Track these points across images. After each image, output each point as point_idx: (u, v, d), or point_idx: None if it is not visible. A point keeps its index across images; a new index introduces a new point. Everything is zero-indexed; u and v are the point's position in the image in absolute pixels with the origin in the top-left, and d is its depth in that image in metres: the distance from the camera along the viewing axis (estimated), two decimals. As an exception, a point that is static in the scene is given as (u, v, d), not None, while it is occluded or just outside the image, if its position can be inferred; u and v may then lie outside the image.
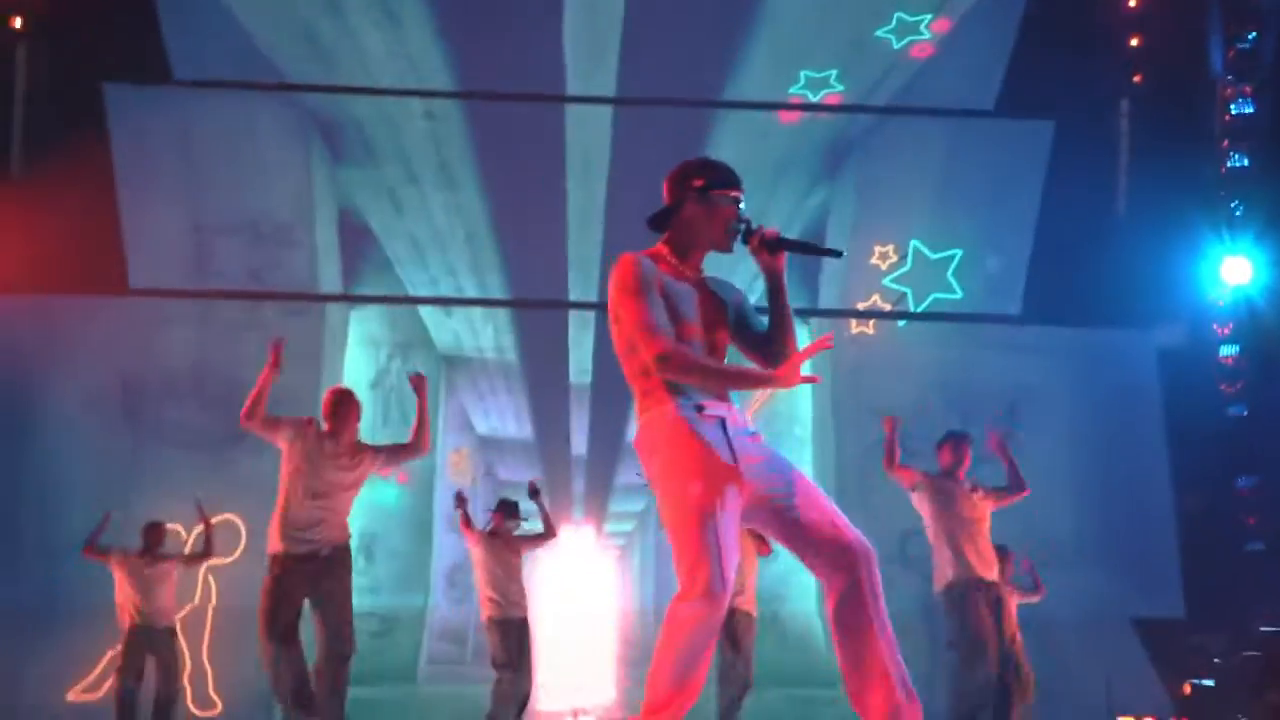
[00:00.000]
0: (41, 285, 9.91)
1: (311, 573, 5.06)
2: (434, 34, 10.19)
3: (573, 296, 11.96)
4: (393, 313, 12.59)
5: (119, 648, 7.65)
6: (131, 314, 10.23)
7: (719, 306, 3.00)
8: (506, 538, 7.18)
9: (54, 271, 9.79)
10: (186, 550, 8.38)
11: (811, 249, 3.18)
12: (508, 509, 7.36)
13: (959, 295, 10.59)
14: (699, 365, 2.82)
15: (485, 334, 13.15)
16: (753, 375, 3.04)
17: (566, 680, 7.31)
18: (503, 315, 12.74)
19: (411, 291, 12.44)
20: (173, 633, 7.81)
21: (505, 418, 15.32)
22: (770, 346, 3.04)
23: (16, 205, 9.64)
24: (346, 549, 5.21)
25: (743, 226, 2.95)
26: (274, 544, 5.12)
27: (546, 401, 14.17)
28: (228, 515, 9.70)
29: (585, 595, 8.79)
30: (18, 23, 10.25)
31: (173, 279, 10.28)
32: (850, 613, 2.83)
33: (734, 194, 2.97)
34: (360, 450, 5.31)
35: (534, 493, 7.44)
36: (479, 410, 15.23)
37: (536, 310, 12.36)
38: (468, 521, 7.14)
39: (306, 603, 5.13)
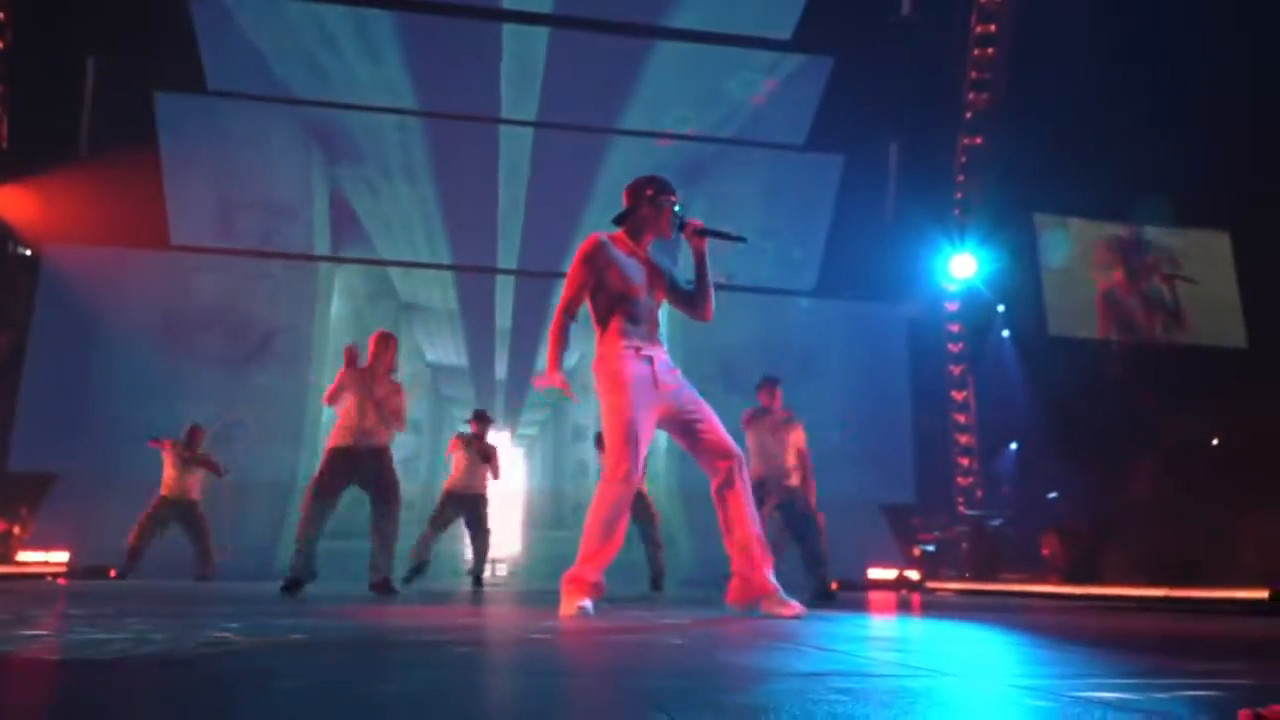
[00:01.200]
0: (106, 239, 11.05)
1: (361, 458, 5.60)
2: (404, 67, 11.68)
3: (500, 265, 13.00)
4: (366, 270, 13.38)
5: (147, 510, 8.35)
6: (171, 264, 11.44)
7: (658, 275, 3.46)
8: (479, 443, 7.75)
9: (115, 229, 10.90)
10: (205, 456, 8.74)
11: (724, 235, 3.50)
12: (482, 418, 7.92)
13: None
14: (554, 332, 3.40)
15: (435, 289, 13.92)
16: (552, 362, 3.37)
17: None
18: (447, 276, 13.61)
19: (382, 255, 13.26)
20: (196, 504, 8.56)
21: (448, 350, 15.83)
22: (694, 300, 3.49)
23: (86, 180, 10.69)
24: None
25: (678, 220, 3.45)
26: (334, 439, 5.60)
27: (478, 339, 14.81)
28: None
29: (501, 481, 9.65)
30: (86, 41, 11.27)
31: (203, 239, 11.52)
32: (727, 493, 3.34)
33: (673, 199, 3.49)
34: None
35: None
36: (428, 344, 15.81)
37: (472, 273, 13.21)
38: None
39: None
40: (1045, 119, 11.66)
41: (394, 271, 13.66)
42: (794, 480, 6.24)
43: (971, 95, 12.46)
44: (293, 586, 5.37)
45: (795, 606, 3.34)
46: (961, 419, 12.76)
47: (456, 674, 1.78)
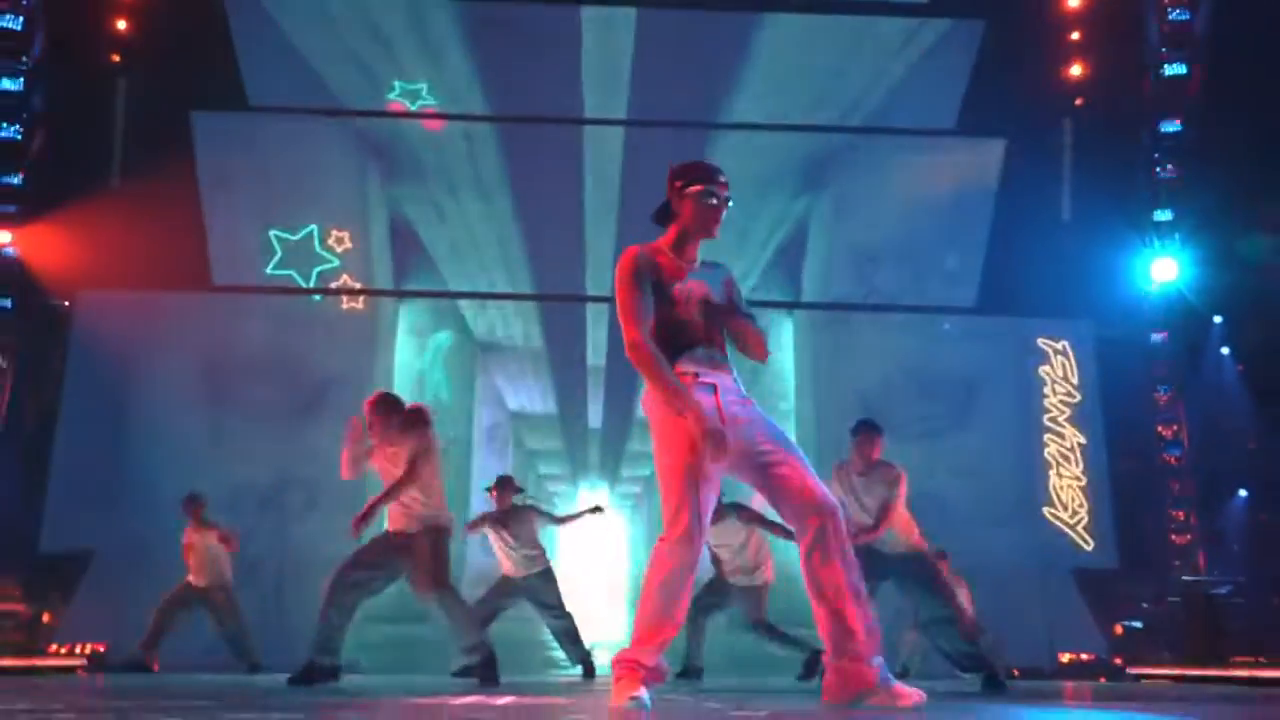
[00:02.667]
0: (142, 283, 10.64)
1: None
2: (471, 68, 11.01)
3: (589, 292, 12.35)
4: (436, 306, 12.74)
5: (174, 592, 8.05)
6: (213, 307, 10.90)
7: (707, 290, 3.16)
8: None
9: (152, 271, 10.47)
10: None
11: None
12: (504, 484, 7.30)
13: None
14: (651, 365, 3.01)
15: (515, 324, 13.37)
16: (680, 400, 2.98)
17: (586, 617, 7.73)
18: (529, 308, 13.03)
19: (452, 287, 12.65)
20: (219, 589, 8.03)
21: (533, 396, 15.33)
22: (737, 334, 3.24)
23: (119, 216, 10.36)
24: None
25: (712, 214, 3.13)
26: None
27: (567, 381, 14.31)
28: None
29: (602, 547, 9.22)
30: (117, 59, 11.16)
31: (248, 278, 10.97)
32: (819, 552, 3.02)
33: (714, 187, 3.14)
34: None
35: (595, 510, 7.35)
36: (509, 389, 15.22)
37: (558, 303, 12.67)
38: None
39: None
40: (1266, 80, 10.10)
41: (467, 305, 13.06)
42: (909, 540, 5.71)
43: (1168, 57, 11.25)
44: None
45: (913, 694, 3.00)
46: (1173, 460, 11.73)
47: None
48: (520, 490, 7.41)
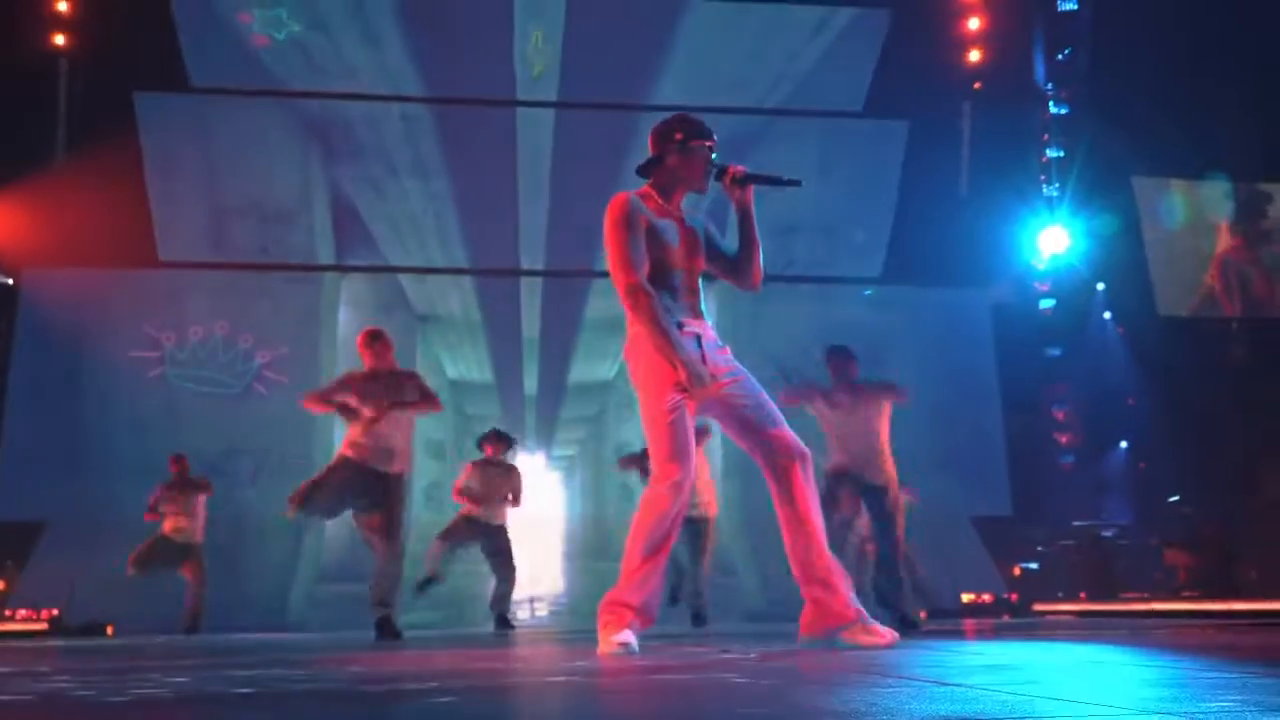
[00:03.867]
0: (88, 260, 10.55)
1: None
2: (407, 50, 10.99)
3: (523, 265, 12.47)
4: (376, 280, 12.79)
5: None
6: (161, 283, 10.91)
7: (695, 238, 3.15)
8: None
9: (98, 248, 10.34)
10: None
11: (774, 180, 3.22)
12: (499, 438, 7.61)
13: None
14: (650, 313, 2.95)
15: (453, 297, 13.44)
16: (675, 350, 2.94)
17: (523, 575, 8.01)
18: (466, 281, 13.06)
19: (391, 262, 12.77)
20: (198, 547, 8.34)
21: (470, 365, 15.40)
22: (740, 263, 3.23)
23: (65, 195, 10.21)
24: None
25: (714, 169, 3.15)
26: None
27: (503, 351, 14.41)
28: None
29: (535, 507, 9.33)
30: (59, 39, 11.01)
31: (195, 253, 10.92)
32: (788, 499, 3.07)
33: (708, 144, 3.16)
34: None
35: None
36: (448, 359, 15.35)
37: (493, 277, 12.74)
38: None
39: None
40: (1145, 67, 10.71)
41: (407, 280, 13.15)
42: (887, 467, 5.48)
43: (1058, 44, 11.73)
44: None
45: (886, 633, 3.04)
46: (1061, 416, 12.15)
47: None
48: (513, 441, 7.81)
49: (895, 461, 5.64)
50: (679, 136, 3.11)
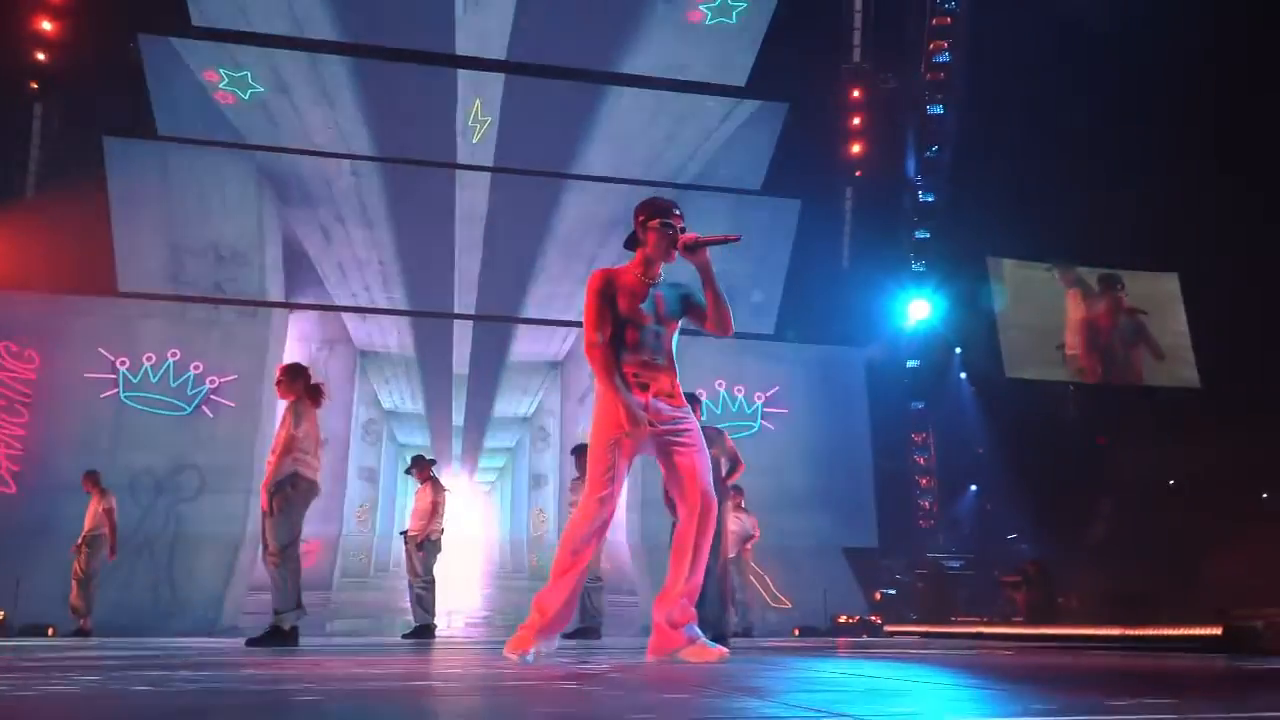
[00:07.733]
0: (51, 286, 11.11)
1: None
2: (360, 113, 11.81)
3: (456, 309, 13.01)
4: (322, 317, 13.24)
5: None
6: (120, 311, 11.37)
7: (669, 303, 3.42)
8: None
9: (62, 276, 10.94)
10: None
11: (716, 241, 3.37)
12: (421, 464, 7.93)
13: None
14: (601, 363, 3.30)
15: (391, 334, 13.88)
16: (617, 394, 3.25)
17: (442, 593, 7.96)
18: (404, 321, 13.52)
19: (336, 302, 13.31)
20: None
21: (404, 396, 15.76)
22: (711, 315, 3.44)
23: (32, 226, 10.79)
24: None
25: (670, 240, 3.37)
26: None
27: (435, 385, 14.78)
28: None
29: (459, 527, 9.56)
30: (35, 85, 11.82)
31: (153, 285, 11.45)
32: (683, 537, 3.36)
33: (669, 220, 3.39)
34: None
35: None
36: (384, 390, 15.70)
37: (429, 318, 13.23)
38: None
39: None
40: (999, 165, 12.07)
41: (350, 318, 13.62)
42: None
43: (926, 143, 13.00)
44: None
45: (716, 651, 3.33)
46: (921, 461, 13.09)
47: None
48: (430, 463, 8.09)
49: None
50: (641, 218, 3.43)
